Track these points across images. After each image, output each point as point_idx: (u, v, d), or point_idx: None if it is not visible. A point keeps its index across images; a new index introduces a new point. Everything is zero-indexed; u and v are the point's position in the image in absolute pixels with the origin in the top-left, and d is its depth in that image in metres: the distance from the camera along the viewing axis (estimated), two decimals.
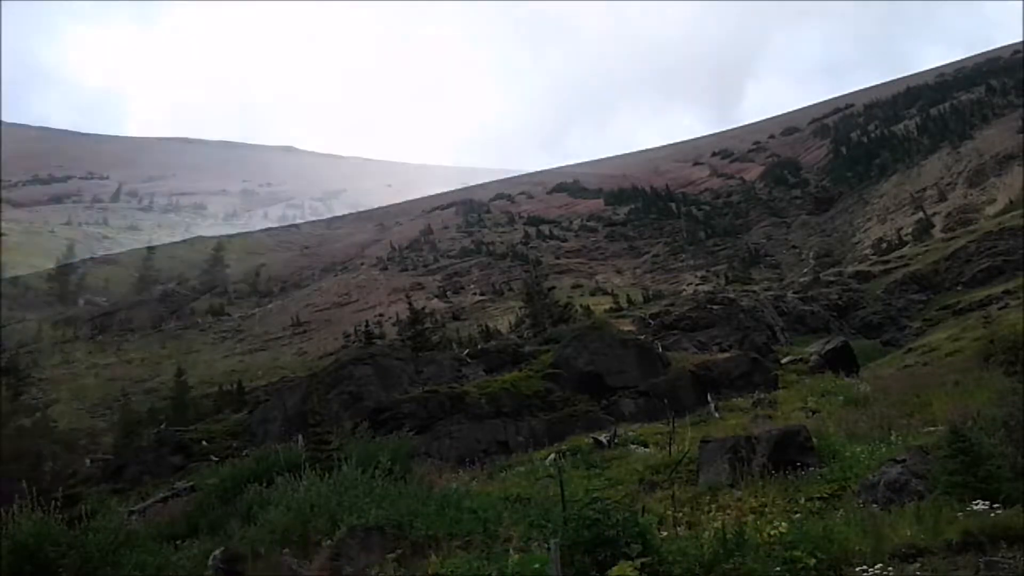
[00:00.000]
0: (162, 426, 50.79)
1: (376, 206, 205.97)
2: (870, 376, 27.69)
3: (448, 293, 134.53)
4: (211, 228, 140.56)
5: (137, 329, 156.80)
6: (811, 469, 13.51)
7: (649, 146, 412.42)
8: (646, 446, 16.72)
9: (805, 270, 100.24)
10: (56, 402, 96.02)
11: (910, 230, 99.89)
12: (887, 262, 71.46)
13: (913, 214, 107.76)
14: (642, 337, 35.20)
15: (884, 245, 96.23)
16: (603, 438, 17.27)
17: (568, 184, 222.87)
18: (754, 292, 64.16)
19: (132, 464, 38.07)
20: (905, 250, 77.83)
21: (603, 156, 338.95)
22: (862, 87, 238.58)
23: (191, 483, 28.34)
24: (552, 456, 17.79)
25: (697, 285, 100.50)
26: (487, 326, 67.49)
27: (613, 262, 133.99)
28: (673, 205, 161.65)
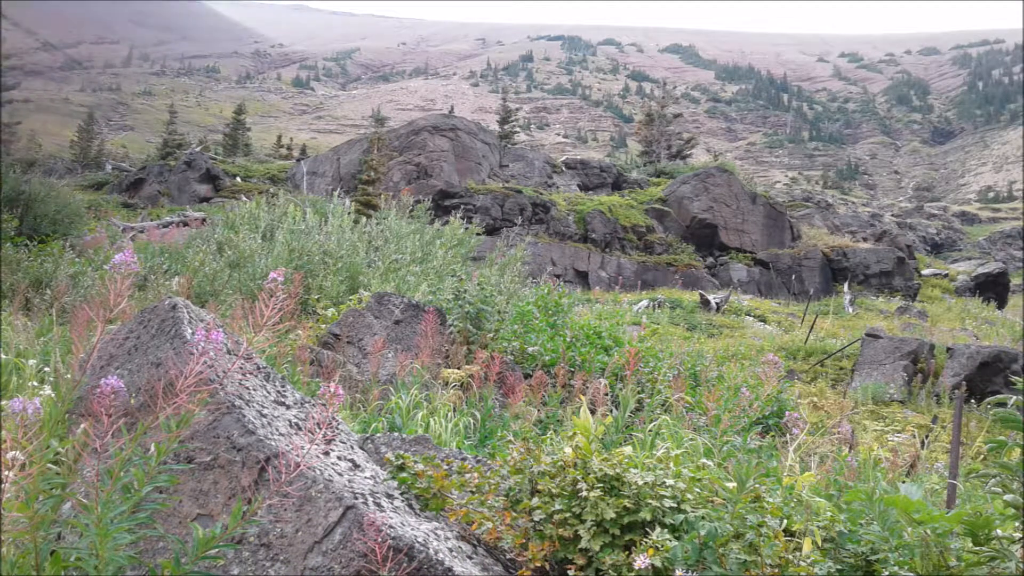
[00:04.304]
0: (196, 148, 48.01)
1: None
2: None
3: (532, 126, 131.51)
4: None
5: (222, 80, 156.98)
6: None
7: (774, 30, 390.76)
8: (764, 322, 15.04)
9: (901, 198, 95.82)
10: (131, 129, 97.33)
11: None
12: (997, 210, 67.47)
13: None
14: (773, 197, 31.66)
15: (992, 195, 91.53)
16: (712, 299, 15.59)
17: (683, 47, 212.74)
18: (852, 203, 61.17)
19: (152, 181, 35.18)
20: (1019, 203, 73.29)
21: (723, 29, 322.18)
22: (1018, 26, 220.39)
23: (203, 215, 25.93)
24: (645, 303, 16.35)
25: (786, 184, 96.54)
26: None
27: (706, 140, 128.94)
28: (785, 97, 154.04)
